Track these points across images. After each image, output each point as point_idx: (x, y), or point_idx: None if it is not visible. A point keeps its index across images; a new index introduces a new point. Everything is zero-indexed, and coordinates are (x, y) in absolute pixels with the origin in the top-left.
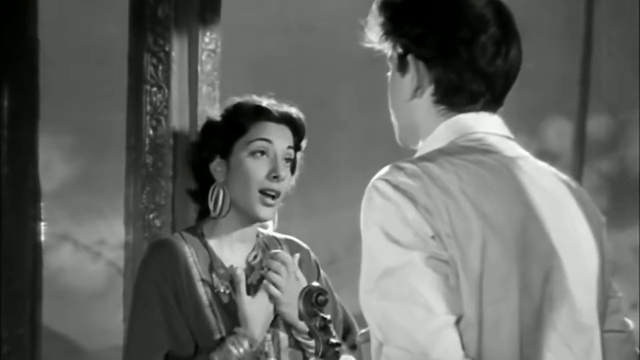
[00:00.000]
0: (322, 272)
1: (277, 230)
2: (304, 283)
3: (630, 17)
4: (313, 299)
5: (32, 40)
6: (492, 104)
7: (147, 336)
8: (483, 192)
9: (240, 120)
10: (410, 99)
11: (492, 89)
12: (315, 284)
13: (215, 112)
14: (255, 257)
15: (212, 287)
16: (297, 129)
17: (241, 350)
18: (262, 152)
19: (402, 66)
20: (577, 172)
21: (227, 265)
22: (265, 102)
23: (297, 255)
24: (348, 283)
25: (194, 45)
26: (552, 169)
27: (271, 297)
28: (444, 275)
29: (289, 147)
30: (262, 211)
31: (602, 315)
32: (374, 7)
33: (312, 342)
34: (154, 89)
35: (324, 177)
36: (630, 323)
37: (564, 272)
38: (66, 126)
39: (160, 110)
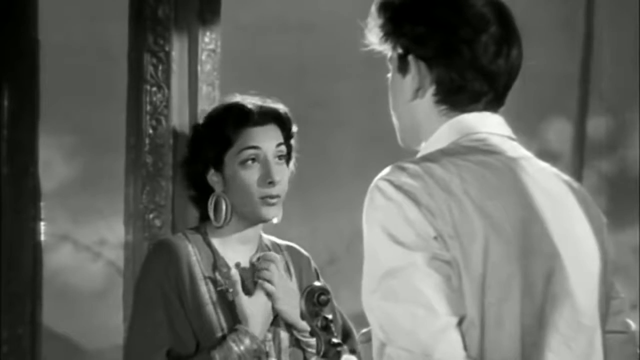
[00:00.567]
0: (321, 279)
1: (277, 230)
2: (292, 283)
3: (630, 17)
4: (315, 299)
5: (32, 40)
6: (494, 103)
7: (149, 334)
8: (485, 192)
9: (225, 132)
10: (411, 100)
11: (494, 88)
12: (317, 283)
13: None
14: (258, 258)
15: (215, 285)
16: (283, 123)
17: (242, 347)
18: (253, 159)
19: (402, 67)
20: (577, 172)
21: (230, 264)
22: (246, 102)
23: (279, 256)
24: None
25: (193, 45)
26: (554, 170)
27: (269, 295)
28: (446, 276)
29: (279, 145)
30: (267, 212)
31: (604, 316)
32: (373, 8)
33: (312, 342)
34: (154, 88)
35: (324, 177)
36: (632, 324)
37: (566, 272)
38: (66, 126)
39: (160, 110)
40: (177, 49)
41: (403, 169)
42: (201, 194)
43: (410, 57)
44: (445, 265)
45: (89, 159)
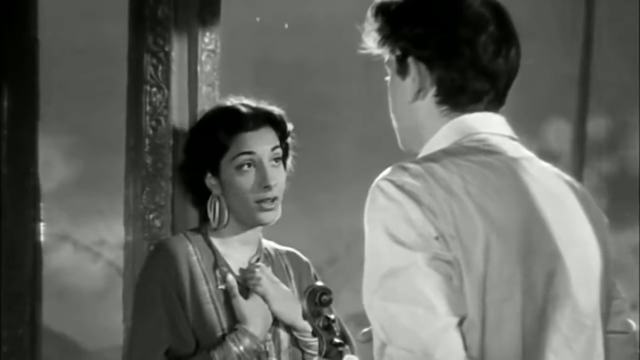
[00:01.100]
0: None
1: (277, 230)
2: (280, 283)
3: (630, 17)
4: (317, 299)
5: (32, 40)
6: (496, 102)
7: (151, 334)
8: (487, 193)
9: (219, 138)
10: (412, 102)
11: (495, 87)
12: (319, 283)
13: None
14: (258, 260)
15: (215, 285)
16: (277, 125)
17: (241, 347)
18: (248, 164)
19: (402, 69)
20: (577, 172)
21: (230, 263)
22: (239, 106)
23: (262, 264)
24: (348, 283)
25: (193, 45)
26: (556, 170)
27: (264, 297)
28: (447, 276)
29: (274, 148)
30: (263, 217)
31: (605, 316)
32: (370, 13)
33: (311, 342)
34: (154, 89)
35: (323, 177)
36: (633, 324)
37: (567, 272)
38: (66, 126)
39: (160, 111)
40: (177, 49)
41: (405, 169)
42: (200, 196)
43: (410, 59)
44: (446, 265)
45: (88, 159)
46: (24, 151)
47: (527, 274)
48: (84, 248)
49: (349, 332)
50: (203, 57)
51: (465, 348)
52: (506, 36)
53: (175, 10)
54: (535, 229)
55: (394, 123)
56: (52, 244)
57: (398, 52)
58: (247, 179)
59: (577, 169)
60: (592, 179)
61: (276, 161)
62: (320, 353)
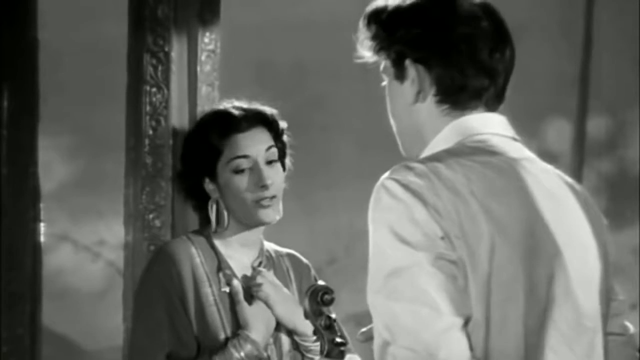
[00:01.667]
0: None
1: (277, 230)
2: (292, 289)
3: (630, 17)
4: (319, 298)
5: (32, 40)
6: (495, 99)
7: (151, 336)
8: (491, 193)
9: (212, 142)
10: (412, 104)
11: (494, 83)
12: (320, 282)
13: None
14: (260, 263)
15: (219, 287)
16: (270, 124)
17: (242, 353)
18: (243, 168)
19: (399, 73)
20: (576, 172)
21: (233, 265)
22: (231, 108)
23: (264, 269)
24: (347, 283)
25: (193, 45)
26: (557, 171)
27: (266, 302)
28: (452, 276)
29: (269, 148)
30: (263, 216)
31: (605, 317)
32: (362, 23)
33: (311, 347)
34: (154, 89)
35: (323, 177)
36: (631, 327)
37: (568, 273)
38: (66, 126)
39: (159, 111)
40: (177, 49)
41: (409, 168)
42: (200, 201)
43: (407, 62)
44: (451, 265)
45: (88, 159)
46: (24, 151)
47: (529, 274)
48: (83, 248)
49: (346, 335)
50: (203, 57)
51: (471, 348)
52: (499, 31)
53: (175, 10)
54: (537, 229)
55: (395, 128)
56: (52, 244)
57: (394, 57)
58: (243, 181)
59: (577, 169)
60: (592, 178)
61: (272, 161)
62: (322, 352)
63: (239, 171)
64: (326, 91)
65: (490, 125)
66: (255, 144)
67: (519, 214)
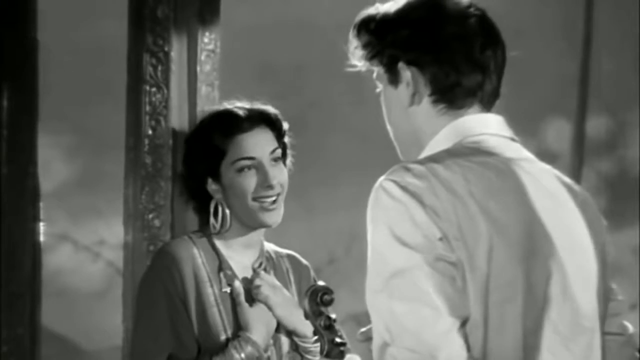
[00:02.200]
0: None
1: (276, 230)
2: (282, 289)
3: (630, 17)
4: (318, 298)
5: (32, 40)
6: (491, 96)
7: (153, 337)
8: (489, 193)
9: (216, 143)
10: (408, 106)
11: (488, 79)
12: (320, 283)
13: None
14: (260, 264)
15: (220, 288)
16: (273, 124)
17: (243, 355)
18: (249, 168)
19: (393, 78)
20: (576, 172)
21: (234, 266)
22: (234, 108)
23: (263, 272)
24: (347, 283)
25: (193, 45)
26: (556, 172)
27: (266, 304)
28: (451, 278)
29: (274, 150)
30: (266, 219)
31: (603, 318)
32: (352, 33)
33: (310, 348)
34: (153, 89)
35: (323, 177)
36: (630, 327)
37: (566, 274)
38: (66, 126)
39: (159, 111)
40: (177, 49)
41: (408, 170)
42: (202, 203)
43: (400, 65)
44: (450, 266)
45: (88, 159)
46: (24, 151)
47: (527, 275)
48: (83, 248)
49: (344, 336)
50: (202, 57)
51: (468, 349)
52: (488, 30)
53: (175, 10)
54: (535, 230)
55: (392, 133)
56: (51, 244)
57: (387, 61)
58: (248, 181)
59: (577, 169)
60: (591, 178)
61: (276, 160)
62: (321, 352)
63: (244, 171)
64: (326, 91)
65: (488, 126)
66: (260, 145)
67: (517, 214)
